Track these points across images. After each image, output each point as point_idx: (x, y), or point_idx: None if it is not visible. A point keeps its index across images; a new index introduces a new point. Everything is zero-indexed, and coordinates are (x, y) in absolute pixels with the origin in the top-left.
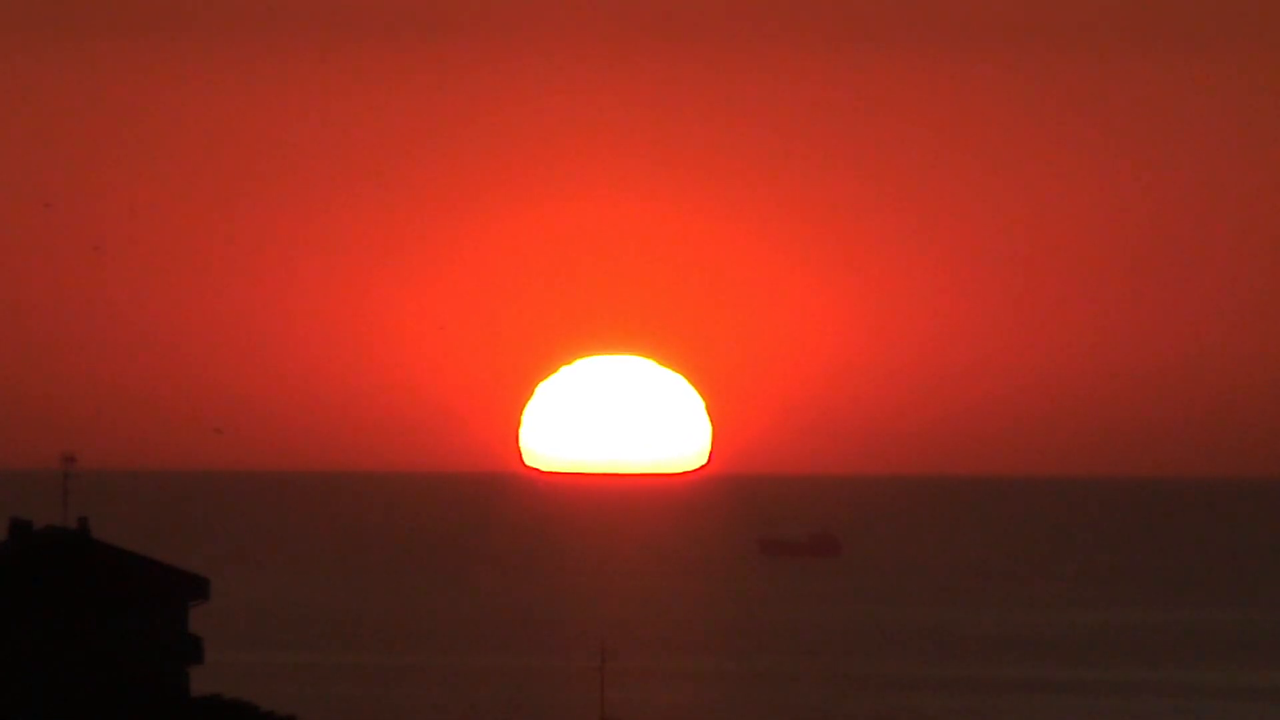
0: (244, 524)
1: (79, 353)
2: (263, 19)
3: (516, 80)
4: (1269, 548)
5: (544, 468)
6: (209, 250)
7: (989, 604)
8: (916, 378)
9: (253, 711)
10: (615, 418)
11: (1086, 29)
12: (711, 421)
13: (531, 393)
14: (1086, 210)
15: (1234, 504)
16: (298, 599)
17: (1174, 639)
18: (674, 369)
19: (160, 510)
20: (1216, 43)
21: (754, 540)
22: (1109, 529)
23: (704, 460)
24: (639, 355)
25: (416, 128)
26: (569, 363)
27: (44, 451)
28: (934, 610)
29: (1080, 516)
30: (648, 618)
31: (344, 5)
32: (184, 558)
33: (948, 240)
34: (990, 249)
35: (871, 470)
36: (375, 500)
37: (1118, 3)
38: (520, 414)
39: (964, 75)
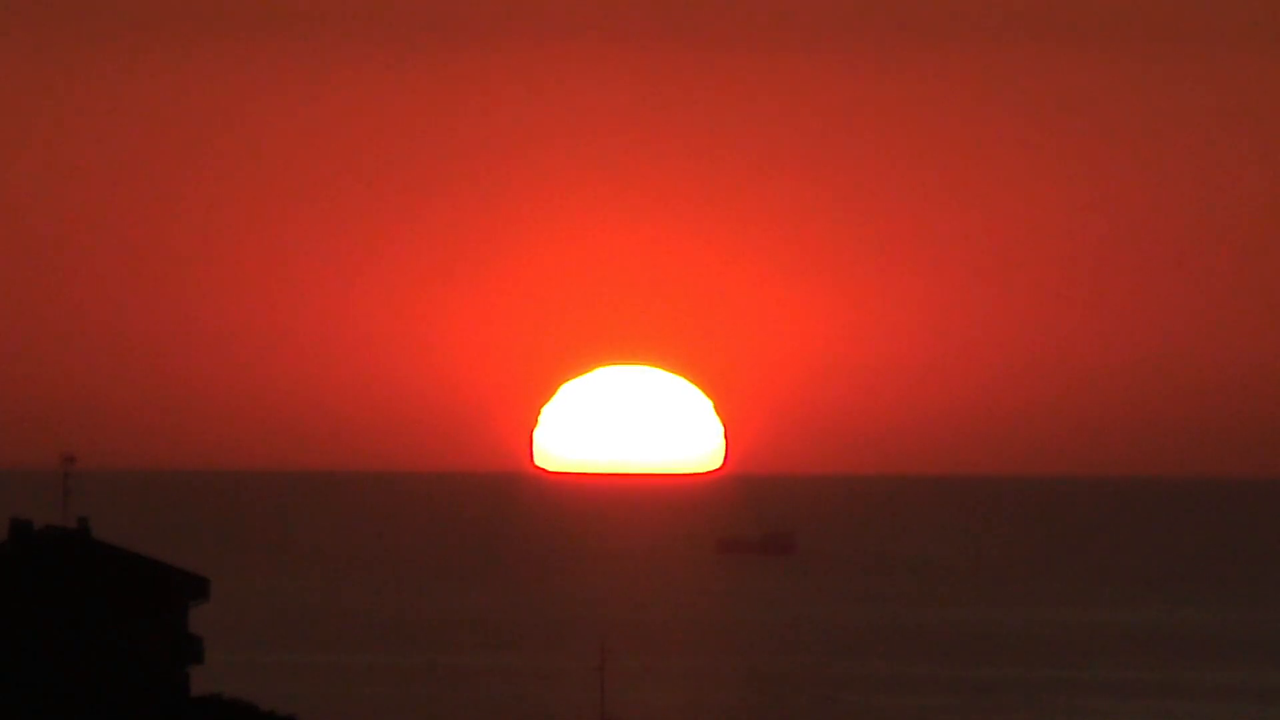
0: (245, 524)
1: (79, 353)
2: (308, 34)
3: (544, 119)
4: (1269, 548)
5: (556, 469)
6: (214, 252)
7: (1018, 604)
8: (914, 378)
9: (253, 711)
10: (630, 421)
11: (1061, 29)
12: (723, 425)
13: (547, 399)
14: (1070, 211)
15: (1231, 503)
16: (298, 599)
17: (1163, 639)
18: (685, 377)
19: (160, 510)
20: (1192, 43)
21: (712, 541)
22: (1105, 528)
23: (718, 461)
24: (649, 364)
25: (440, 150)
26: (584, 371)
27: (44, 451)
28: (935, 610)
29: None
30: (649, 617)
31: (384, 24)
32: (184, 558)
33: (936, 245)
34: (981, 252)
35: (874, 470)
36: (376, 501)
37: (1090, 5)
38: (535, 419)
39: (946, 80)
